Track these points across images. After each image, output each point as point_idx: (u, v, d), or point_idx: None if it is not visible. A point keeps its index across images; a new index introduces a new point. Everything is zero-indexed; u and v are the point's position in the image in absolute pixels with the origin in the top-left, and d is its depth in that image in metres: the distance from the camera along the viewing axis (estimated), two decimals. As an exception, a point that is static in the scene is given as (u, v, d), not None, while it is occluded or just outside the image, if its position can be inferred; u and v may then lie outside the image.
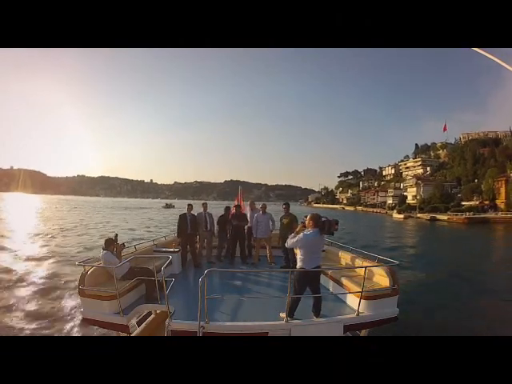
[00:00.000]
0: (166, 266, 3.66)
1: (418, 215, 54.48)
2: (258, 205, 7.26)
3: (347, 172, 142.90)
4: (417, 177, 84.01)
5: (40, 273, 10.41)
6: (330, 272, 4.60)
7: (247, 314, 3.69)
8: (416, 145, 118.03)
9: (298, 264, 3.59)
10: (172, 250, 5.73)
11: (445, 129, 71.23)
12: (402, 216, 54.77)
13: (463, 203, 57.60)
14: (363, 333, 4.22)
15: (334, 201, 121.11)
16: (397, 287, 3.77)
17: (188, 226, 6.22)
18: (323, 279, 4.89)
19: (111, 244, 4.34)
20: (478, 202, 55.96)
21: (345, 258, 5.28)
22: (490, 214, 48.32)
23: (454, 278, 11.50)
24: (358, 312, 3.57)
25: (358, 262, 4.64)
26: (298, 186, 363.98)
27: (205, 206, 6.86)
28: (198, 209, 6.89)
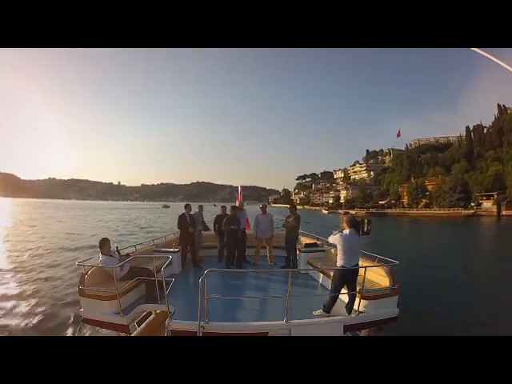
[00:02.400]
0: (166, 266, 3.65)
1: (339, 211, 71.91)
2: (257, 204, 7.23)
3: (305, 175, 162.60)
4: (346, 182, 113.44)
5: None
6: (330, 272, 4.60)
7: (247, 314, 3.69)
8: (367, 151, 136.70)
9: (338, 263, 3.72)
10: (172, 249, 5.73)
11: (398, 135, 79.96)
12: (327, 212, 76.47)
13: (380, 202, 78.82)
14: (363, 333, 4.22)
15: (290, 201, 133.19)
16: (397, 287, 3.77)
17: (189, 225, 6.23)
18: (323, 279, 4.90)
19: (106, 244, 4.28)
20: (386, 201, 77.27)
21: None
22: (388, 210, 68.20)
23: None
24: (358, 312, 3.57)
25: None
26: (263, 186, 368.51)
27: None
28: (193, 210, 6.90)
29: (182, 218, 6.30)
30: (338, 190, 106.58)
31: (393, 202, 75.80)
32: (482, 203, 57.90)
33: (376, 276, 4.08)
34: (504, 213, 50.62)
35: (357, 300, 3.60)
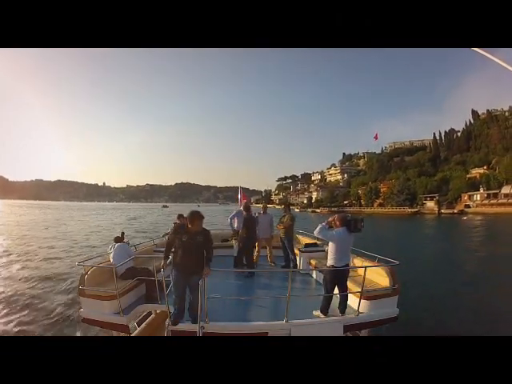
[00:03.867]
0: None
1: (308, 209, 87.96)
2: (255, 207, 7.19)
3: (285, 176, 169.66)
4: (317, 184, 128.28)
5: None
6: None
7: (247, 313, 3.69)
8: (343, 154, 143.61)
9: (329, 262, 3.68)
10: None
11: (376, 137, 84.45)
12: (298, 210, 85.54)
13: (345, 202, 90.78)
14: (363, 333, 4.22)
15: (270, 201, 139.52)
16: (397, 287, 3.76)
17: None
18: (323, 279, 4.90)
19: (120, 241, 4.55)
20: (348, 201, 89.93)
21: None
22: (347, 209, 76.96)
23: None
24: (358, 312, 3.57)
25: (358, 262, 4.63)
26: (247, 187, 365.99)
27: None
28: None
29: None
30: (311, 192, 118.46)
31: (353, 201, 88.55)
32: (425, 203, 67.89)
33: (376, 276, 4.08)
34: (443, 211, 60.16)
35: (357, 300, 3.60)
